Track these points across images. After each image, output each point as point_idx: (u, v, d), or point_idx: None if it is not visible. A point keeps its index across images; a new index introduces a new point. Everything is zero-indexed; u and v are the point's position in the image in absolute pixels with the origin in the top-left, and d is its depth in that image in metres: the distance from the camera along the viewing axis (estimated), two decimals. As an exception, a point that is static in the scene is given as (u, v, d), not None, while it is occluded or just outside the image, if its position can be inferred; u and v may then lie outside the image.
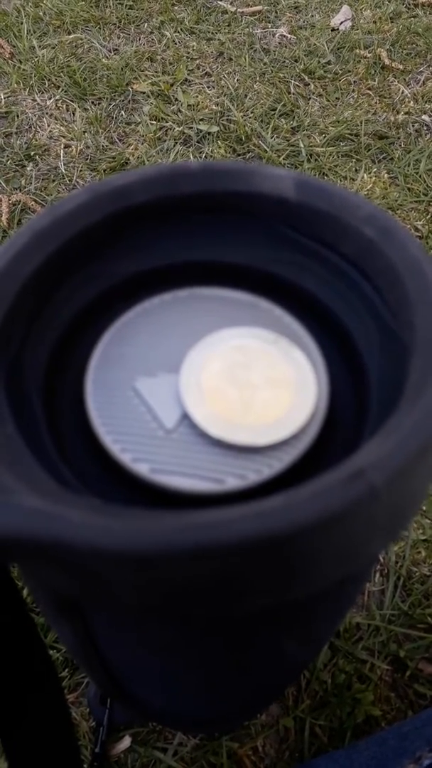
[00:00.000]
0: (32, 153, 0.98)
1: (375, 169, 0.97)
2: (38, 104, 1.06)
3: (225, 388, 0.22)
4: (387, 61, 1.13)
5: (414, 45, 1.18)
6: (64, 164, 0.96)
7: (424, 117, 1.05)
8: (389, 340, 0.22)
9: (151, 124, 1.02)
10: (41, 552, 0.16)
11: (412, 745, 0.42)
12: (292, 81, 1.10)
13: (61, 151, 0.98)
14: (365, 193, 0.93)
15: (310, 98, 1.08)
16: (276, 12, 1.25)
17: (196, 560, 0.15)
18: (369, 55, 1.15)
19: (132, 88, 1.09)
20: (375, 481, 0.16)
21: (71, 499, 0.17)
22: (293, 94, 1.09)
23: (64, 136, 1.00)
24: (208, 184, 0.24)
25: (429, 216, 0.90)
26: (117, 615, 0.22)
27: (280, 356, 0.23)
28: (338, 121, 1.03)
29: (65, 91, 1.07)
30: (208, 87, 1.10)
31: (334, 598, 0.25)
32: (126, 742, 0.50)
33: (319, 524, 0.15)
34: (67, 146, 0.99)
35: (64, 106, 1.06)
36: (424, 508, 0.62)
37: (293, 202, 0.24)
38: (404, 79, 1.12)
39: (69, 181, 0.94)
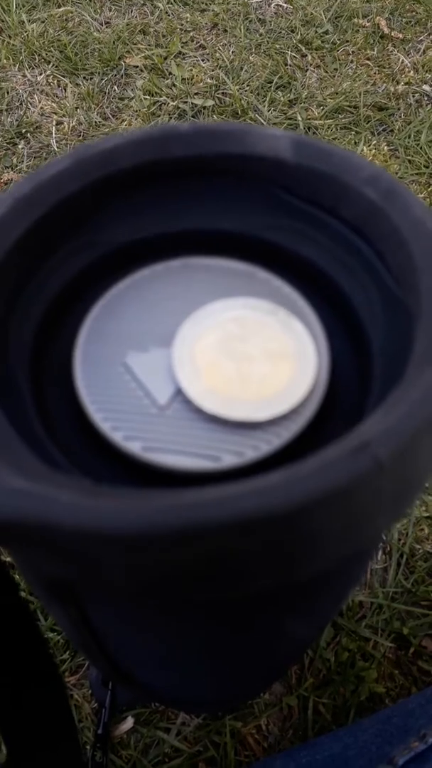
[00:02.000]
0: (23, 130, 0.95)
1: (375, 142, 0.94)
2: (29, 80, 1.03)
3: (220, 361, 0.21)
4: (386, 30, 1.10)
5: (414, 13, 1.15)
6: (57, 141, 0.94)
7: (424, 87, 1.03)
8: (392, 307, 0.21)
9: (145, 99, 1.00)
10: (28, 534, 0.15)
11: (417, 722, 0.41)
12: (289, 52, 1.07)
13: (53, 128, 0.96)
14: (365, 166, 0.91)
15: (307, 70, 1.06)
16: (271, -19, 1.21)
17: (188, 541, 0.14)
18: (367, 24, 1.12)
19: (125, 62, 1.06)
20: (380, 455, 0.15)
21: (59, 480, 0.16)
22: (290, 65, 1.06)
23: (55, 113, 0.98)
24: (200, 146, 0.23)
25: (430, 189, 0.88)
26: (111, 598, 0.21)
27: (278, 327, 0.22)
28: (336, 93, 1.01)
29: (56, 67, 1.05)
30: (203, 60, 1.07)
31: (337, 578, 0.24)
32: (129, 723, 0.50)
33: (321, 501, 0.14)
34: (59, 123, 0.97)
35: (55, 81, 1.03)
36: (426, 484, 0.61)
37: (290, 164, 0.23)
38: (404, 49, 1.09)
39: (62, 158, 0.92)
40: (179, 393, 0.21)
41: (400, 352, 0.20)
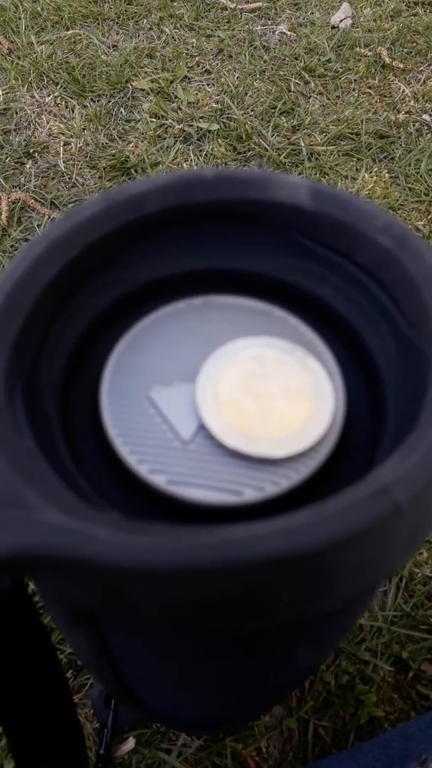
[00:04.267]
0: (31, 150, 0.97)
1: (376, 169, 0.96)
2: (37, 101, 1.05)
3: (242, 398, 0.22)
4: (387, 60, 1.13)
5: (414, 44, 1.18)
6: (64, 162, 0.96)
7: (424, 116, 1.05)
8: (406, 350, 0.22)
9: (151, 121, 1.02)
10: (64, 568, 0.16)
11: (417, 747, 0.42)
12: (293, 79, 1.10)
13: (61, 148, 0.98)
14: (366, 192, 0.93)
15: (310, 96, 1.08)
16: (276, 9, 1.24)
17: (223, 577, 0.15)
18: (369, 53, 1.15)
19: (131, 84, 1.08)
20: (399, 498, 0.16)
21: (94, 515, 0.17)
22: (294, 92, 1.08)
23: (63, 134, 1.00)
24: (223, 192, 0.24)
25: (430, 216, 0.90)
26: (135, 625, 0.22)
27: (296, 366, 0.23)
28: (339, 120, 1.03)
29: (64, 88, 1.07)
30: (208, 84, 1.09)
31: (349, 609, 0.25)
32: (130, 743, 0.50)
33: (344, 541, 0.15)
34: (66, 144, 0.98)
35: (63, 102, 1.05)
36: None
37: (308, 211, 0.24)
38: (405, 78, 1.12)
39: (68, 179, 0.94)
40: (202, 428, 0.21)
41: (413, 393, 0.21)
